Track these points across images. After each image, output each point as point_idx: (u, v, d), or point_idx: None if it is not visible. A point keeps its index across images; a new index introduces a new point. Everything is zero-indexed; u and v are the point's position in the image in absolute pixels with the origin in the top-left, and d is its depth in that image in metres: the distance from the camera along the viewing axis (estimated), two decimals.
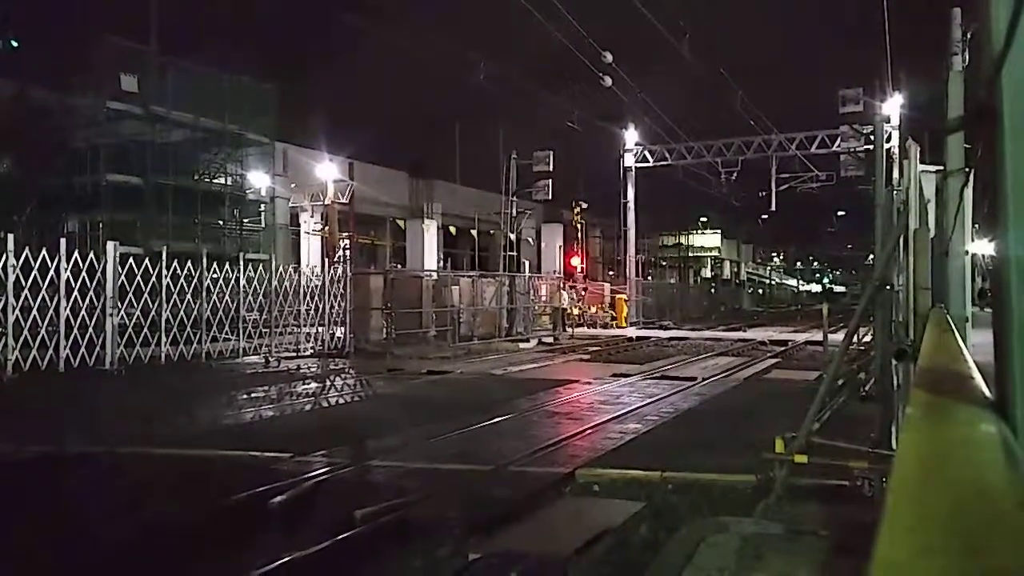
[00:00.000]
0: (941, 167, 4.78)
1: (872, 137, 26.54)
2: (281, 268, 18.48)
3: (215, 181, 23.94)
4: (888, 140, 23.85)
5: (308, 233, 30.85)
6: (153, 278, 15.04)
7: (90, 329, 13.87)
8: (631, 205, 34.40)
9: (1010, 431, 0.95)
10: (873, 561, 0.50)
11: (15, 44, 22.96)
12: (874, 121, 26.12)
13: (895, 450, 5.19)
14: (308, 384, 13.54)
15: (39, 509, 5.83)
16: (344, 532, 5.20)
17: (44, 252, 13.21)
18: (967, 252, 4.70)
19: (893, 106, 27.52)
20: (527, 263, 32.79)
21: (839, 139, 31.19)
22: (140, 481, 6.66)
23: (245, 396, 11.79)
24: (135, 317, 14.78)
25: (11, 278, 12.68)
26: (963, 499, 0.63)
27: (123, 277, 14.47)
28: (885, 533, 0.54)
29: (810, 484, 5.75)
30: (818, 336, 18.92)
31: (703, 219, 62.54)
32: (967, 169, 4.28)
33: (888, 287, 5.96)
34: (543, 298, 27.75)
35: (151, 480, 6.64)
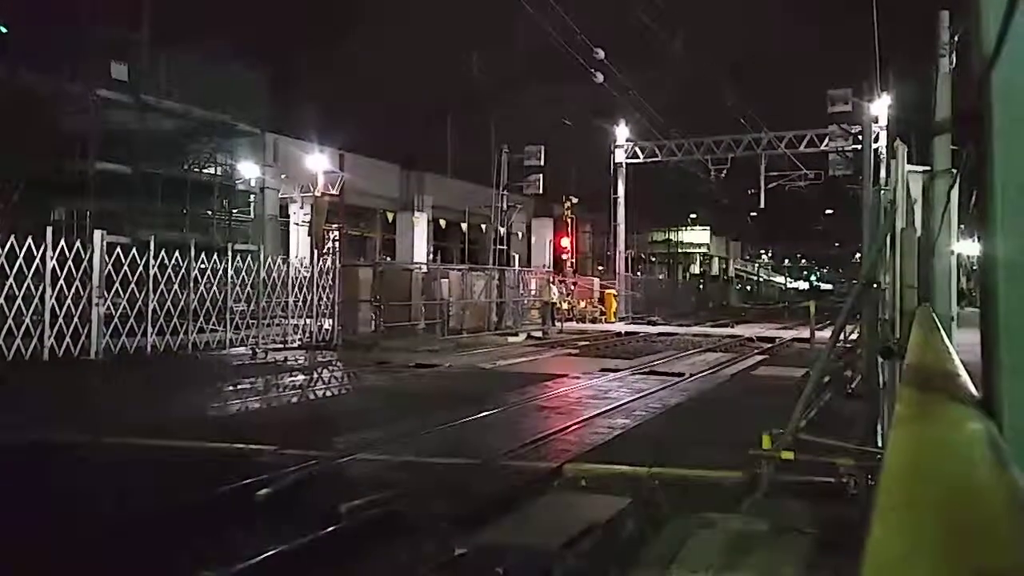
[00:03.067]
0: (928, 168, 4.81)
1: (860, 137, 26.68)
2: (269, 259, 18.39)
3: (204, 171, 23.77)
4: (876, 140, 24.00)
5: (297, 224, 30.69)
6: (140, 267, 14.92)
7: (75, 318, 13.75)
8: (621, 201, 34.43)
9: (997, 429, 0.96)
10: (865, 558, 0.50)
11: (4, 30, 22.71)
12: (862, 121, 26.25)
13: (881, 447, 5.23)
14: (295, 376, 13.50)
15: (19, 498, 5.79)
16: (329, 526, 5.19)
17: (30, 240, 13.08)
18: (952, 252, 4.74)
19: (881, 107, 27.66)
20: (517, 257, 32.79)
21: (828, 139, 31.32)
22: (122, 472, 6.62)
23: (231, 387, 11.73)
24: (121, 307, 14.66)
25: None
26: (953, 497, 0.63)
27: (110, 266, 14.35)
28: (876, 530, 0.55)
29: (796, 481, 5.79)
30: (805, 333, 19.04)
31: (692, 215, 62.62)
32: (953, 170, 4.32)
33: (875, 285, 6.00)
34: (532, 292, 27.76)
35: (134, 471, 6.60)
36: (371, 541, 5.13)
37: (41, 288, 13.26)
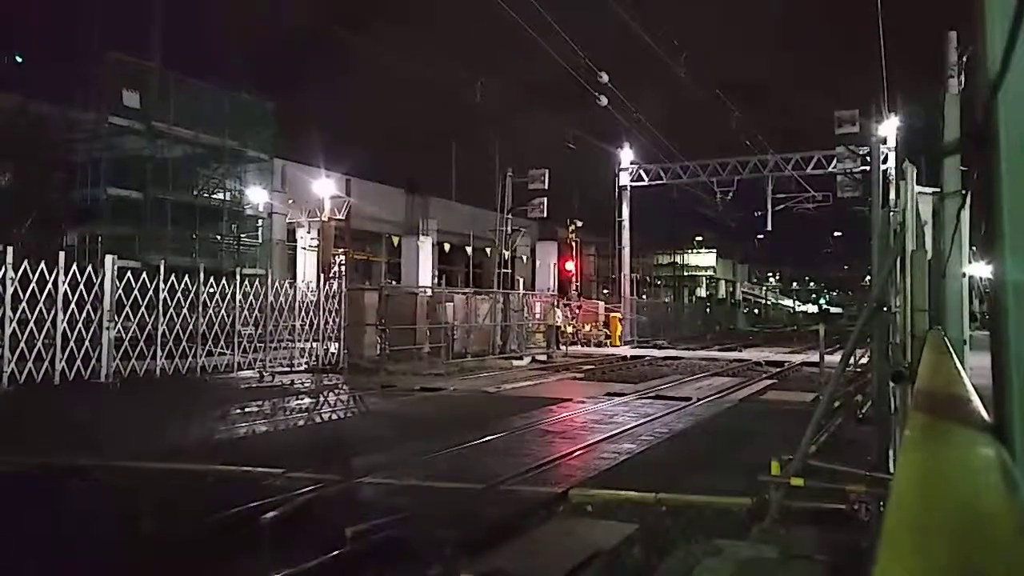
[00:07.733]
0: (938, 189, 4.79)
1: (868, 158, 26.69)
2: (277, 283, 18.47)
3: (214, 196, 24.01)
4: (884, 161, 23.98)
5: (304, 249, 30.86)
6: (150, 292, 15.03)
7: (86, 342, 13.84)
8: (626, 223, 34.46)
9: (1008, 455, 0.94)
10: None
11: (19, 59, 23.17)
12: (871, 143, 26.26)
13: (892, 474, 5.16)
14: (301, 399, 13.48)
15: (28, 523, 5.77)
16: (335, 550, 5.15)
17: (43, 265, 13.20)
18: (964, 274, 4.70)
19: (889, 127, 27.65)
20: (521, 280, 32.78)
21: (835, 160, 31.30)
22: (131, 495, 6.60)
23: (238, 411, 11.72)
24: (131, 330, 14.75)
25: (9, 291, 12.67)
26: (962, 524, 0.62)
27: (120, 290, 14.46)
28: (883, 557, 0.53)
29: (806, 507, 5.71)
30: (814, 357, 18.92)
31: (698, 238, 62.58)
32: (964, 191, 4.29)
33: (885, 309, 5.96)
34: (537, 316, 27.72)
35: (142, 494, 6.58)
36: (376, 566, 5.08)
37: (53, 312, 13.35)
